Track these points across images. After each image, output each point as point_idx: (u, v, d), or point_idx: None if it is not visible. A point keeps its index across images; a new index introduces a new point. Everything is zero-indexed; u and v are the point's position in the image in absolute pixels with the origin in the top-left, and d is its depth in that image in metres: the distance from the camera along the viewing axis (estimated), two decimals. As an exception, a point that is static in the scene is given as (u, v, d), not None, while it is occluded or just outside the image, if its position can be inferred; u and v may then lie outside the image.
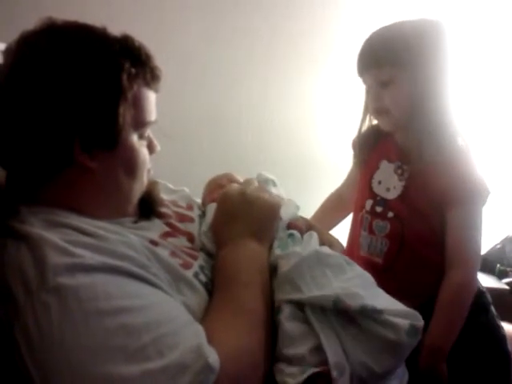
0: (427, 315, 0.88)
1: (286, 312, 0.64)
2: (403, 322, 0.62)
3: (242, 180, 0.86)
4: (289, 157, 1.75)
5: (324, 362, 0.60)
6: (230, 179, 0.87)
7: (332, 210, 1.16)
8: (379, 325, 0.61)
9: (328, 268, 0.67)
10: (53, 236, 0.57)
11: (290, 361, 0.61)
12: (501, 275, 1.60)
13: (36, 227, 0.59)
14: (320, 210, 1.17)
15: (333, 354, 0.61)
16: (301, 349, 0.62)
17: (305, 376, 0.59)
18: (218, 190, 0.84)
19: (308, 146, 1.78)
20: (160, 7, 1.63)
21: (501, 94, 1.72)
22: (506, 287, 1.54)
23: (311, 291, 0.65)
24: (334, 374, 0.59)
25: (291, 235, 0.75)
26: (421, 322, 0.63)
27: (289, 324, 0.63)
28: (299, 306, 0.65)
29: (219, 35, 1.67)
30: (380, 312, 0.62)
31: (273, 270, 0.71)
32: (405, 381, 0.71)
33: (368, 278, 0.70)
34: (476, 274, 0.90)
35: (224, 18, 1.68)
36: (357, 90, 1.75)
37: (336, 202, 1.16)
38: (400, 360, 0.65)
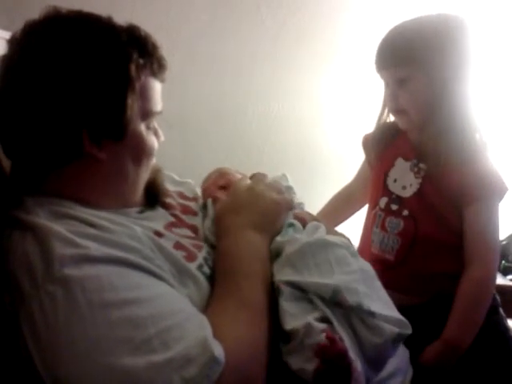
0: (435, 311, 0.89)
1: (285, 293, 0.63)
2: (392, 329, 0.61)
3: (236, 174, 0.85)
4: (294, 149, 1.74)
5: (331, 329, 0.59)
6: (225, 174, 0.86)
7: (341, 206, 1.15)
8: (367, 328, 0.60)
9: (333, 257, 0.66)
10: (59, 227, 0.57)
11: (295, 335, 0.60)
12: (505, 272, 1.59)
13: (42, 218, 0.59)
14: (328, 206, 1.17)
15: (343, 333, 0.60)
16: (305, 319, 0.60)
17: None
18: (214, 186, 0.83)
19: (314, 139, 1.77)
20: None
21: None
22: (511, 284, 1.53)
23: (312, 277, 0.64)
24: (352, 356, 0.57)
25: (292, 225, 0.74)
26: (408, 331, 0.62)
27: (288, 304, 0.62)
28: (299, 288, 0.64)
29: (226, 27, 1.66)
30: (373, 315, 0.61)
31: (273, 256, 0.70)
32: (409, 377, 0.71)
33: (370, 272, 0.70)
34: (495, 270, 0.90)
35: (231, 10, 1.66)
36: (363, 84, 1.74)
37: (345, 198, 1.15)
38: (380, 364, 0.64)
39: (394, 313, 0.64)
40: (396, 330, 0.61)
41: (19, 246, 0.57)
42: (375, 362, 0.61)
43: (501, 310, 0.97)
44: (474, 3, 1.61)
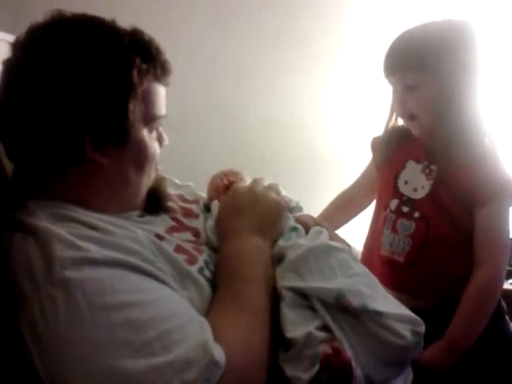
0: (441, 317, 0.88)
1: (287, 299, 0.64)
2: (405, 327, 0.61)
3: (242, 176, 0.85)
4: (296, 152, 1.75)
5: (331, 339, 0.60)
6: (231, 175, 0.86)
7: (342, 209, 1.15)
8: (382, 328, 0.60)
9: (335, 262, 0.67)
10: (60, 230, 0.57)
11: (295, 343, 0.60)
12: (507, 275, 1.59)
13: (43, 221, 0.59)
14: (329, 209, 1.17)
15: (344, 343, 0.60)
16: (306, 328, 0.60)
17: (317, 367, 0.58)
18: (220, 187, 0.83)
19: (315, 142, 1.78)
20: (169, 0, 1.62)
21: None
22: (512, 288, 1.53)
23: (315, 282, 0.64)
24: (354, 363, 0.58)
25: (295, 229, 0.74)
26: (422, 328, 0.63)
27: (289, 311, 0.63)
28: (301, 294, 0.64)
29: (227, 30, 1.66)
30: (380, 315, 0.61)
31: (276, 260, 0.70)
32: (409, 380, 0.71)
33: (373, 277, 0.70)
34: (504, 271, 0.91)
35: (232, 12, 1.67)
36: (365, 86, 1.74)
37: (347, 201, 1.15)
38: (402, 365, 0.65)
39: (403, 311, 0.64)
40: (408, 327, 0.61)
41: (20, 248, 0.58)
42: (395, 362, 0.62)
43: (507, 317, 0.97)
44: (477, 6, 1.61)
